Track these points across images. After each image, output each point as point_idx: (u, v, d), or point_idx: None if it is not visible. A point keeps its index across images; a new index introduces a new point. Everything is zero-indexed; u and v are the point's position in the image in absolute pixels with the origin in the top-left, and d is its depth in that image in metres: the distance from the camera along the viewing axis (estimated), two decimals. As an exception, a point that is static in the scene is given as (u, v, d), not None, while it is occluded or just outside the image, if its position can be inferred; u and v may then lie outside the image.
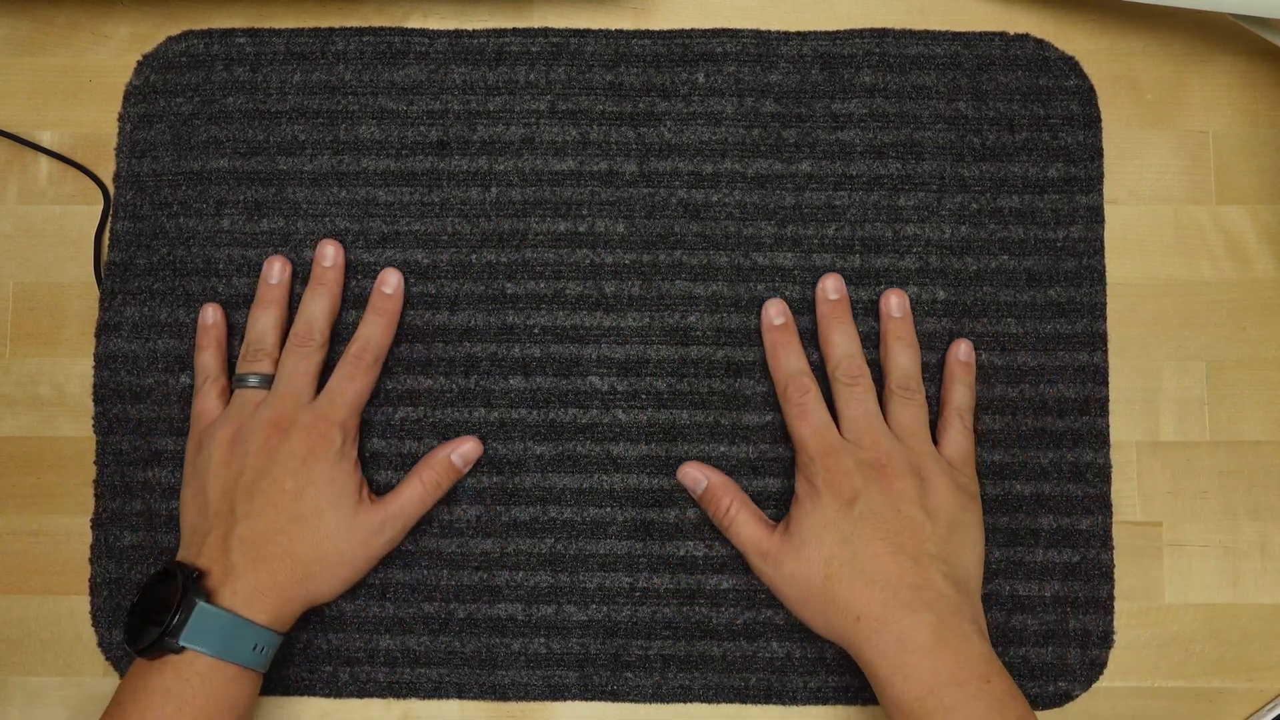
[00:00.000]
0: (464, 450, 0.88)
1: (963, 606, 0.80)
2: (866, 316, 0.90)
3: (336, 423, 0.85)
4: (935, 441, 0.87)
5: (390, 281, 0.89)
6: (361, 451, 0.89)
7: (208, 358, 0.89)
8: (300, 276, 0.91)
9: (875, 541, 0.81)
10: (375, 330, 0.88)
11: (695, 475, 0.88)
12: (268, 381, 0.87)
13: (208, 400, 0.88)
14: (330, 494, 0.83)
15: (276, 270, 0.90)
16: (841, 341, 0.88)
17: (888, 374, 0.88)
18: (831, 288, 0.89)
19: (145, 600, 0.79)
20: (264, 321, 0.89)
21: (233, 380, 0.89)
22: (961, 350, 0.89)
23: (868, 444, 0.84)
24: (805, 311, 0.90)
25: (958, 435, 0.87)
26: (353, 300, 0.90)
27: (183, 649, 0.78)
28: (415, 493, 0.86)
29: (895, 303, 0.89)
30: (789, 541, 0.83)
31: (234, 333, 0.91)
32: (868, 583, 0.80)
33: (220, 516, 0.83)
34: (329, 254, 0.90)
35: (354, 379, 0.87)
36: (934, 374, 0.89)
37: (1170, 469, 0.90)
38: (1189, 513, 0.89)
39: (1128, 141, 0.92)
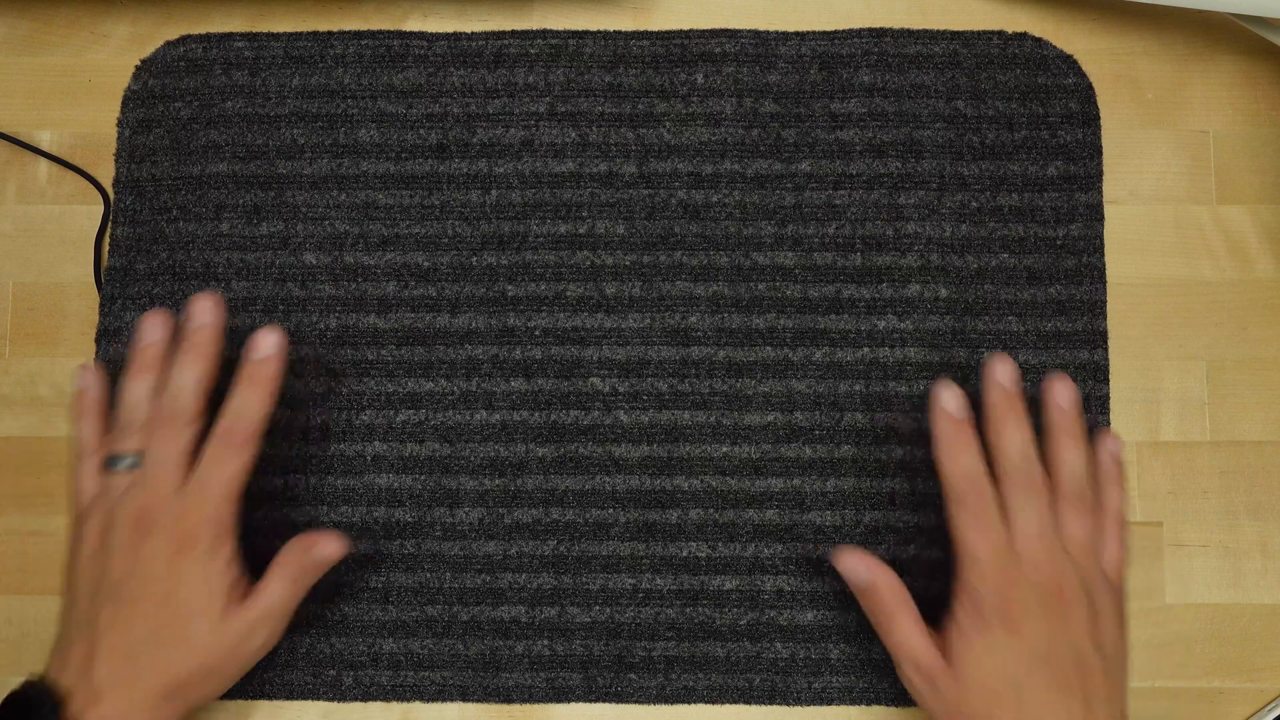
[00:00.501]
0: (324, 551, 0.81)
1: None
2: (869, 315, 0.90)
3: (202, 519, 0.77)
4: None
5: (262, 346, 0.81)
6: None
7: (84, 429, 0.83)
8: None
9: (1048, 689, 0.75)
10: (248, 403, 0.80)
11: (859, 570, 0.81)
12: (139, 460, 0.79)
13: (85, 480, 0.81)
14: (198, 601, 0.76)
15: (149, 329, 0.83)
16: (1019, 437, 0.80)
17: (1059, 477, 0.80)
18: (1005, 376, 0.81)
19: None
20: (134, 391, 0.81)
21: (105, 458, 0.81)
22: (1114, 448, 0.84)
23: (1044, 563, 0.77)
24: (805, 311, 0.89)
25: (1118, 547, 0.81)
26: (353, 303, 0.90)
27: None
28: (278, 591, 0.79)
29: (1066, 394, 0.82)
30: (950, 669, 0.76)
31: (232, 337, 0.89)
32: None
33: (86, 626, 0.76)
34: (199, 311, 0.82)
35: (223, 463, 0.78)
36: (935, 372, 0.89)
37: (1170, 469, 0.89)
38: (1189, 513, 0.89)
39: (1128, 141, 0.92)
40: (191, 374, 0.80)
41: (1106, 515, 0.82)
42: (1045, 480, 0.80)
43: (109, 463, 0.80)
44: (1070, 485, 0.80)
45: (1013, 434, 0.80)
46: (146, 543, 0.76)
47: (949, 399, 0.81)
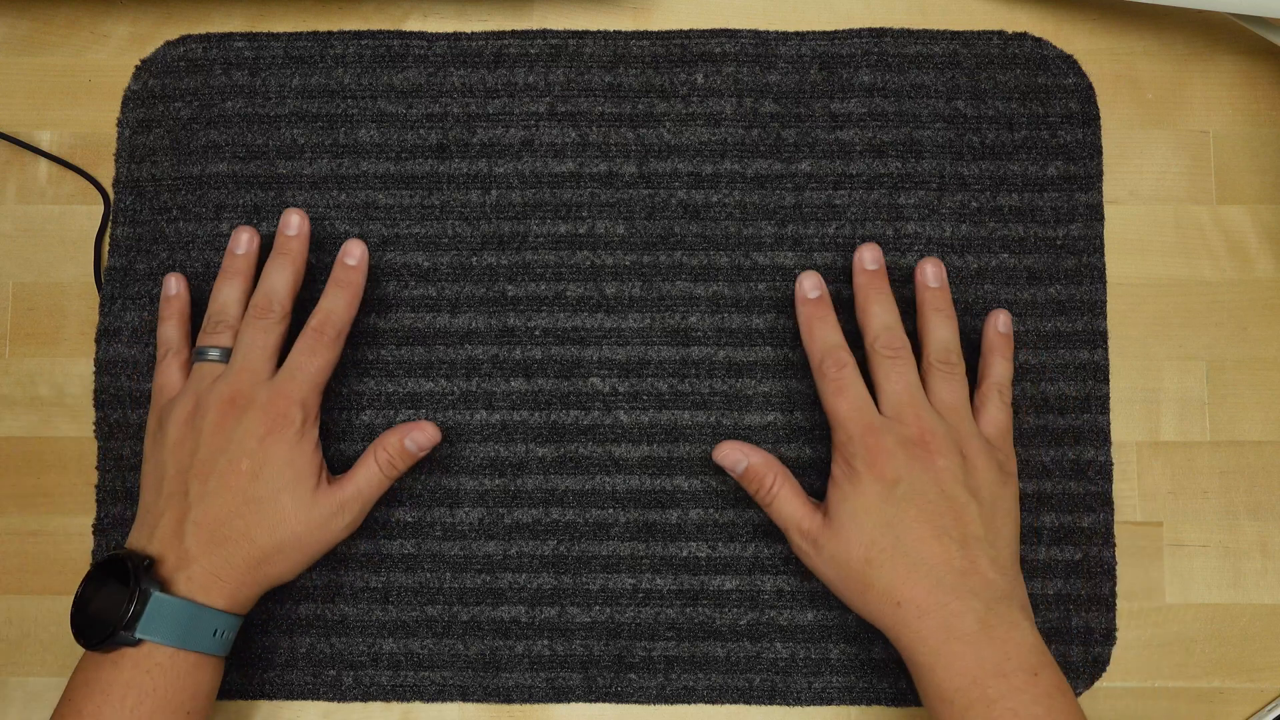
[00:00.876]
0: (416, 436, 0.85)
1: (1011, 592, 0.78)
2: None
3: (295, 400, 0.82)
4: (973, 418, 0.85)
5: (354, 253, 0.87)
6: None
7: (170, 329, 0.88)
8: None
9: (919, 525, 0.78)
10: (337, 304, 0.85)
11: (734, 455, 0.85)
12: (228, 355, 0.85)
13: (169, 373, 0.87)
14: (288, 476, 0.81)
15: (244, 241, 0.88)
16: (880, 312, 0.85)
17: (926, 347, 0.85)
18: (869, 258, 0.86)
19: (91, 592, 0.78)
20: (226, 292, 0.87)
21: (193, 353, 0.86)
22: (1000, 321, 0.87)
23: (909, 420, 0.81)
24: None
25: (996, 411, 0.85)
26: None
27: (139, 641, 0.76)
28: (371, 475, 0.84)
29: (931, 272, 0.87)
30: (829, 524, 0.81)
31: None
32: (910, 567, 0.78)
33: (174, 498, 0.81)
34: (293, 223, 0.87)
35: (314, 354, 0.83)
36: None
37: (1170, 469, 0.89)
38: (1189, 513, 0.89)
39: (1128, 141, 0.92)
40: (284, 276, 0.86)
41: (987, 383, 0.86)
42: (909, 348, 0.84)
43: (198, 354, 0.85)
44: (936, 353, 0.85)
45: (875, 310, 0.85)
46: (240, 422, 0.81)
47: (808, 284, 0.87)
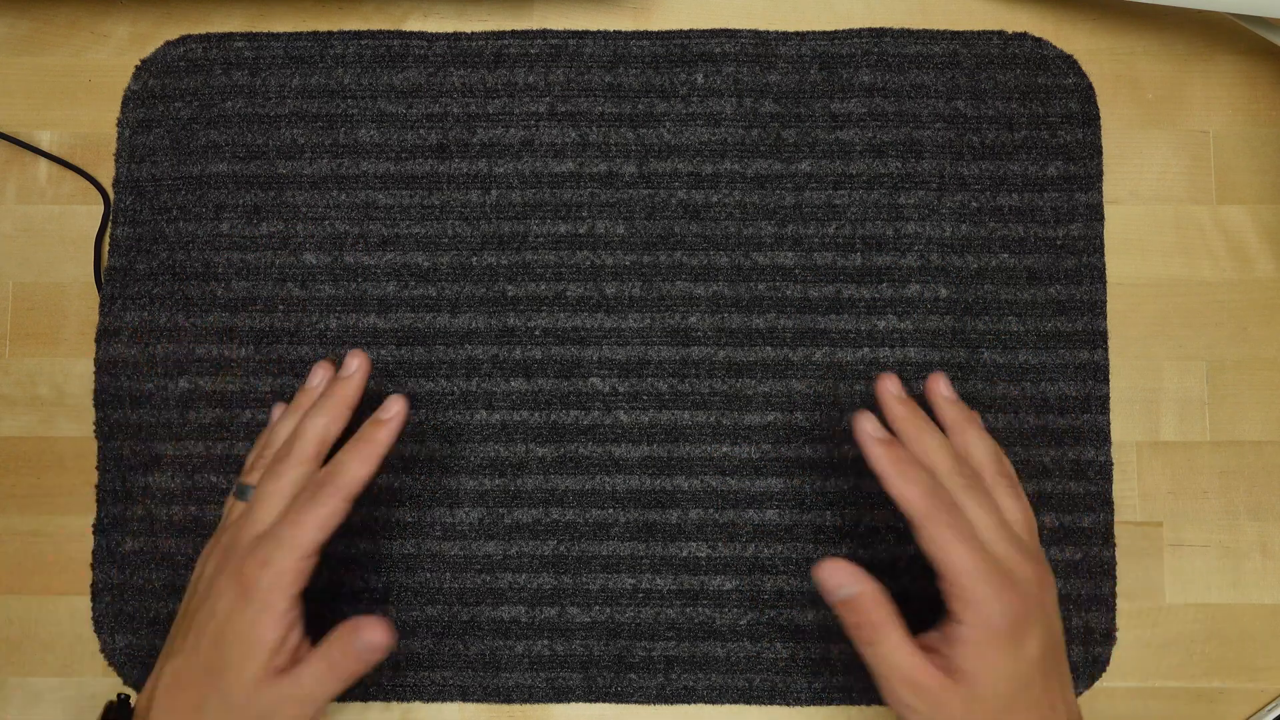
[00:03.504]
0: (366, 637, 0.74)
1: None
2: (870, 315, 0.90)
3: (269, 567, 0.74)
4: None
5: (388, 409, 0.80)
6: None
7: (250, 456, 0.84)
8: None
9: (1044, 676, 0.73)
10: (351, 458, 0.78)
11: (841, 579, 0.74)
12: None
13: (227, 504, 0.82)
14: (240, 654, 0.73)
15: (319, 377, 0.85)
16: (939, 442, 0.78)
17: (979, 467, 0.79)
18: (894, 387, 0.80)
19: None
20: (281, 430, 0.82)
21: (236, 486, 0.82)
22: (942, 388, 0.82)
23: (1018, 561, 0.74)
24: (805, 311, 0.89)
25: (1017, 505, 0.78)
26: (353, 303, 0.91)
27: None
28: (317, 673, 0.74)
29: (943, 387, 0.81)
30: (957, 688, 0.72)
31: (232, 337, 0.91)
32: (1040, 717, 0.72)
33: (173, 640, 0.77)
34: (349, 365, 0.82)
35: (306, 510, 0.76)
36: (936, 371, 0.89)
37: (1170, 469, 0.90)
38: (1189, 513, 0.89)
39: (1128, 141, 0.92)
40: (319, 421, 0.80)
41: (987, 473, 0.79)
42: (976, 475, 0.78)
43: (236, 491, 0.81)
44: (993, 470, 0.79)
45: (932, 440, 0.78)
46: (220, 578, 0.76)
47: (871, 427, 0.76)
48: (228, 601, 0.74)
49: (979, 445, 0.79)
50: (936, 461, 0.77)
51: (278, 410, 0.86)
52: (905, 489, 0.74)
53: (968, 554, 0.72)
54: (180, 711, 0.74)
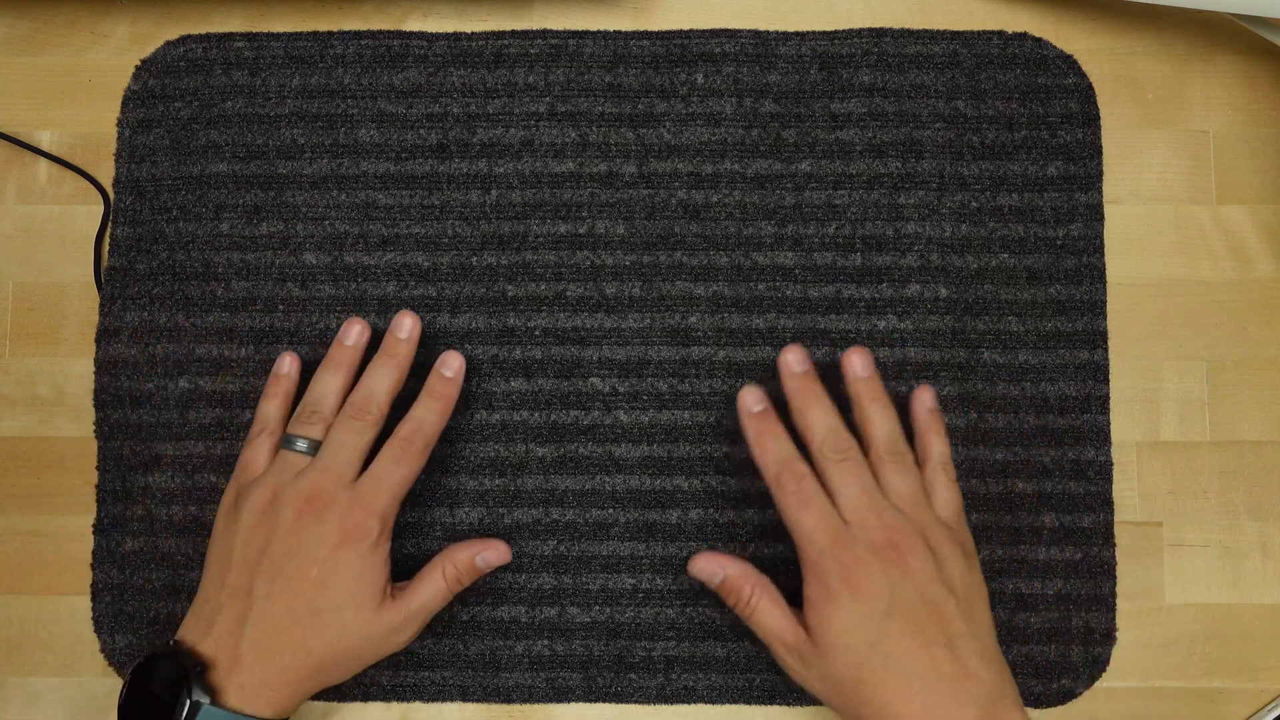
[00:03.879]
0: (488, 555, 0.85)
1: (1004, 689, 0.76)
2: (870, 315, 0.90)
3: (375, 512, 0.80)
4: None
5: (451, 365, 0.86)
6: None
7: (271, 407, 0.87)
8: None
9: (905, 636, 0.75)
10: (429, 414, 0.84)
11: (710, 568, 0.83)
12: (316, 447, 0.83)
13: (258, 452, 0.85)
14: (355, 591, 0.79)
15: (355, 333, 0.87)
16: (820, 415, 0.82)
17: (871, 440, 0.82)
18: (795, 360, 0.83)
19: (143, 686, 0.77)
20: (326, 383, 0.85)
21: (283, 438, 0.85)
22: (927, 399, 0.86)
23: (873, 524, 0.78)
24: (805, 311, 0.90)
25: (946, 490, 0.83)
26: (354, 303, 0.91)
27: None
28: (437, 589, 0.83)
29: (859, 362, 0.84)
30: (814, 643, 0.78)
31: (232, 337, 0.91)
32: (903, 682, 0.75)
33: (237, 593, 0.79)
34: (405, 325, 0.86)
35: (400, 464, 0.82)
36: (936, 372, 0.89)
37: (1170, 469, 0.90)
38: (1189, 513, 0.89)
39: (1128, 141, 0.92)
40: (387, 380, 0.85)
41: (930, 464, 0.84)
42: (857, 447, 0.81)
43: (286, 442, 0.84)
44: (883, 445, 0.82)
45: (814, 413, 0.82)
46: (315, 525, 0.79)
47: (750, 398, 0.83)
48: (330, 546, 0.79)
49: (877, 421, 0.83)
50: (814, 433, 0.82)
51: (288, 359, 0.89)
52: (761, 456, 0.82)
53: (806, 517, 0.79)
54: (285, 651, 0.78)
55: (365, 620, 0.80)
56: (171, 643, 0.79)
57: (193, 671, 0.76)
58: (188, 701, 0.75)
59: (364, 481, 0.81)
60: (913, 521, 0.79)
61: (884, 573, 0.77)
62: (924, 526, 0.79)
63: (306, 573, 0.78)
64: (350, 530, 0.79)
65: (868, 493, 0.80)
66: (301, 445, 0.83)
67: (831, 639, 0.77)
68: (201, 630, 0.79)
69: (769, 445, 0.82)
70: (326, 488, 0.80)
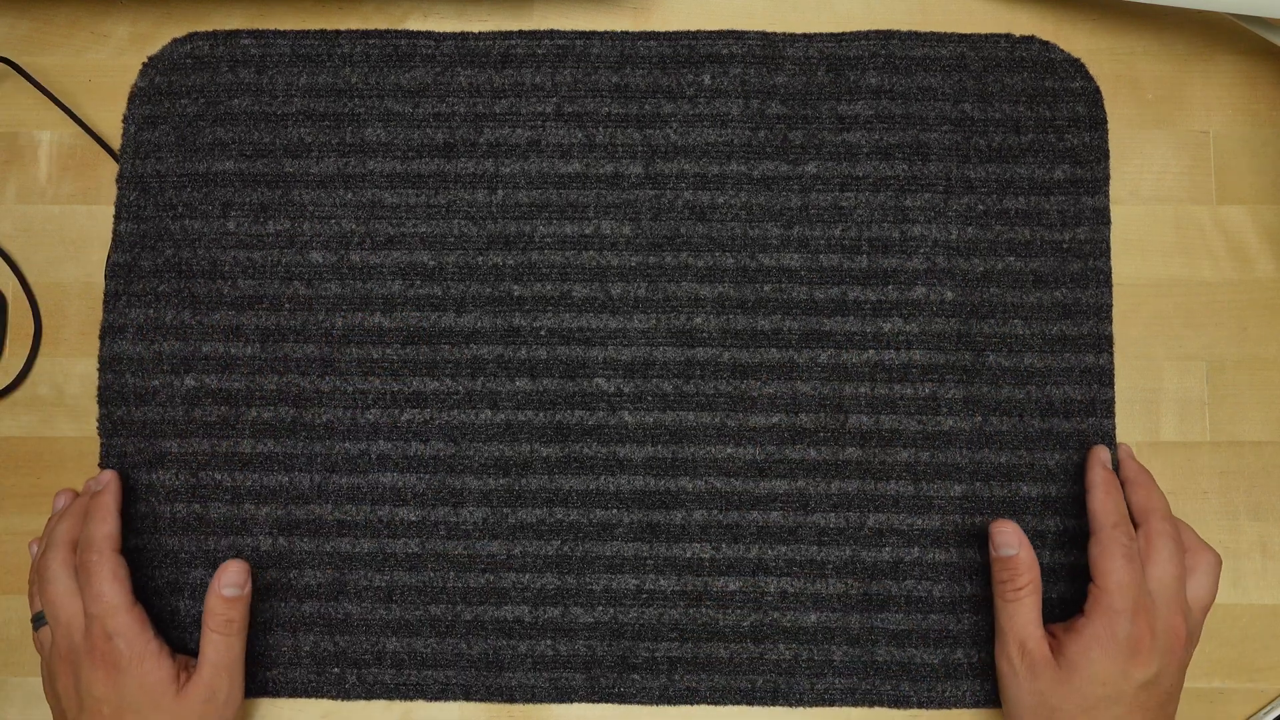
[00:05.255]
0: (228, 577, 0.85)
1: None
2: (875, 317, 0.89)
3: (112, 634, 0.81)
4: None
5: (99, 480, 0.89)
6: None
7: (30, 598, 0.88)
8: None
9: (1143, 712, 0.79)
10: (90, 529, 0.85)
11: (1011, 539, 0.84)
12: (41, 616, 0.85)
13: (36, 644, 0.87)
14: (146, 700, 0.81)
15: (60, 503, 0.90)
16: (1164, 502, 0.85)
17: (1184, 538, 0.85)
18: (1112, 458, 0.89)
19: None
20: (43, 561, 0.86)
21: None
22: (1157, 501, 0.86)
23: (1175, 613, 0.81)
24: (811, 313, 0.89)
25: (1206, 587, 0.84)
26: (359, 302, 0.90)
27: None
28: (215, 643, 0.84)
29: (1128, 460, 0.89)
30: (1058, 667, 0.81)
31: (238, 335, 0.90)
32: None
33: None
34: (92, 485, 0.89)
35: (97, 580, 0.83)
36: (941, 375, 0.89)
37: (1171, 469, 0.90)
38: (1189, 513, 0.89)
39: (1129, 141, 0.92)
40: (61, 526, 0.86)
41: (1207, 558, 0.85)
42: (1181, 541, 0.83)
43: (35, 626, 0.86)
44: (1197, 557, 0.84)
45: (1157, 498, 0.85)
46: (79, 676, 0.82)
47: (1106, 455, 0.88)
48: (102, 684, 0.81)
49: (1157, 501, 0.86)
50: (1156, 506, 0.85)
51: (34, 548, 0.90)
52: (1104, 501, 0.84)
53: (1126, 570, 0.81)
54: None
55: (174, 713, 0.82)
56: None
57: None
58: None
59: (88, 619, 0.82)
60: (1193, 626, 0.82)
61: (1161, 656, 0.80)
62: (1194, 629, 0.83)
63: (101, 713, 0.81)
64: (105, 662, 0.81)
65: (1178, 583, 0.82)
66: (40, 623, 0.86)
67: (1080, 676, 0.80)
68: None
69: (1115, 497, 0.85)
70: (66, 645, 0.83)
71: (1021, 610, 0.83)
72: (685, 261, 0.90)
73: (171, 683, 0.82)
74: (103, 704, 0.80)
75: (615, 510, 0.89)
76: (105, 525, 0.85)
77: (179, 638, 0.89)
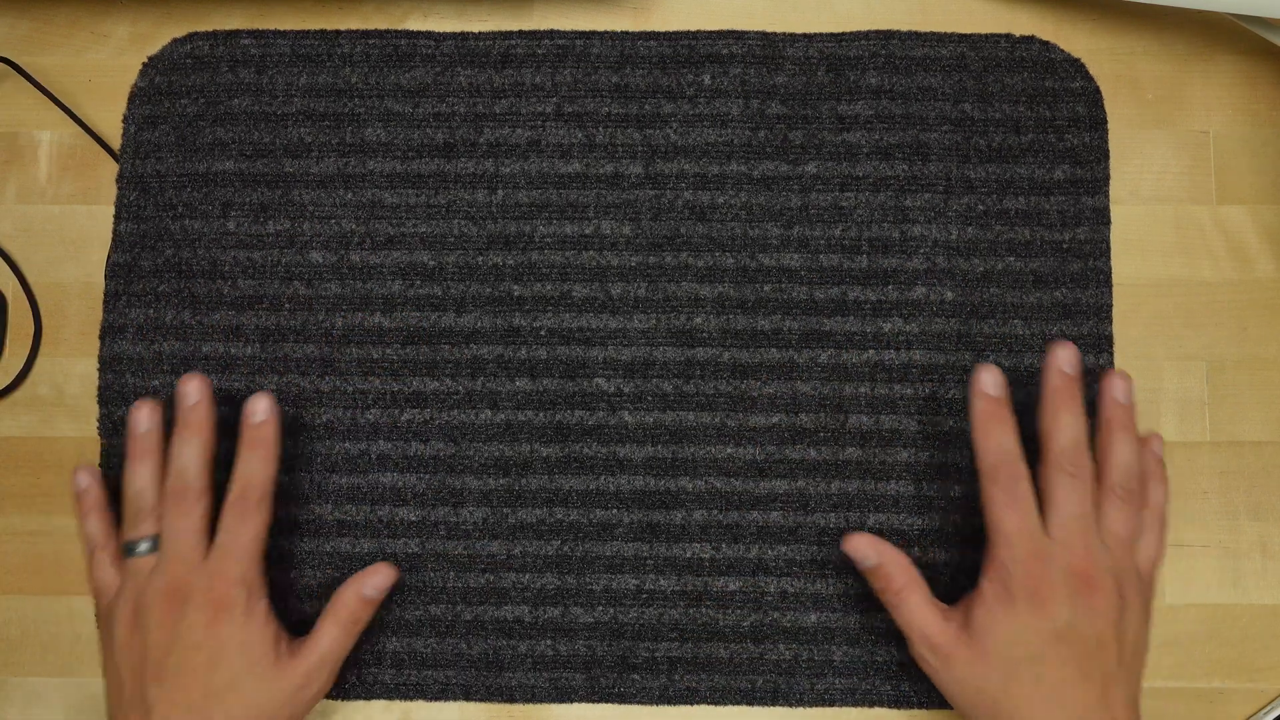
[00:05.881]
0: (375, 582, 0.85)
1: None
2: (875, 317, 0.89)
3: (234, 580, 0.79)
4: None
5: (259, 409, 0.84)
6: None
7: (90, 525, 0.85)
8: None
9: (1066, 665, 0.75)
10: (254, 465, 0.83)
11: (866, 550, 0.82)
12: (156, 541, 0.82)
13: (102, 571, 0.83)
14: (245, 660, 0.78)
15: (143, 418, 0.85)
16: (1071, 424, 0.80)
17: (1107, 469, 0.81)
18: (1065, 359, 0.81)
19: None
20: (140, 478, 0.84)
21: (123, 546, 0.83)
22: (1157, 446, 0.85)
23: (1078, 550, 0.77)
24: (811, 313, 0.89)
25: (1155, 542, 0.82)
26: (359, 302, 0.90)
27: None
28: (333, 637, 0.82)
29: (1121, 387, 0.82)
30: (968, 644, 0.78)
31: (238, 335, 0.90)
32: (1049, 707, 0.75)
33: (134, 703, 0.78)
34: (190, 391, 0.84)
35: (243, 524, 0.81)
36: (941, 375, 0.89)
37: (1171, 469, 0.89)
38: (1189, 513, 0.89)
39: (1129, 141, 0.92)
40: (193, 451, 0.83)
41: (1150, 512, 0.82)
42: (1092, 470, 0.80)
43: (127, 550, 0.82)
44: (1119, 478, 0.80)
45: (1067, 419, 0.80)
46: (183, 614, 0.78)
47: (988, 379, 0.81)
48: (204, 629, 0.78)
49: (1121, 452, 0.81)
50: (1057, 435, 0.80)
51: (86, 474, 0.87)
52: (983, 441, 0.80)
53: (1012, 519, 0.78)
54: None
55: (266, 685, 0.79)
56: None
57: None
58: None
59: (213, 556, 0.80)
60: (1115, 562, 0.78)
61: (1069, 599, 0.76)
62: (1123, 572, 0.78)
63: (191, 662, 0.78)
64: (218, 606, 0.79)
65: (1083, 518, 0.78)
66: (143, 547, 0.82)
67: (992, 644, 0.77)
68: None
69: (995, 433, 0.80)
70: (180, 576, 0.79)
71: (909, 608, 0.81)
72: (685, 261, 0.90)
73: (272, 651, 0.80)
74: (199, 651, 0.77)
75: (615, 510, 0.89)
76: (269, 467, 0.83)
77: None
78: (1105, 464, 0.81)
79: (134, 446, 0.85)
